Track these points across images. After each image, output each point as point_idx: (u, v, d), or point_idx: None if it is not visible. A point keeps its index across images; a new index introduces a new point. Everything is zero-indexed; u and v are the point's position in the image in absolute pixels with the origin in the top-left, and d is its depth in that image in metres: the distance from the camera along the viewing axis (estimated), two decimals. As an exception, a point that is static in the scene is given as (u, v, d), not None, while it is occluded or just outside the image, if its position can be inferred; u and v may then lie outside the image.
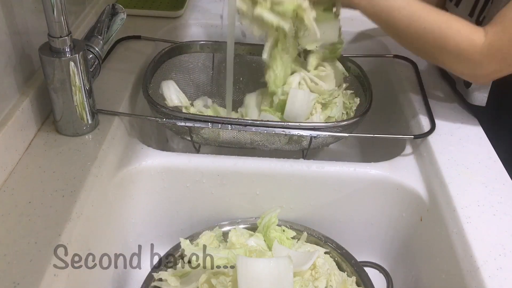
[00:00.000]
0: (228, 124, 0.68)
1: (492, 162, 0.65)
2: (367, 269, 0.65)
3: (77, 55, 0.59)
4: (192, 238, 0.67)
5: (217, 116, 0.77)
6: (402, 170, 0.68)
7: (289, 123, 0.68)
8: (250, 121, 0.68)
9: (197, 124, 0.68)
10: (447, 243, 0.58)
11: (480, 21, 0.70)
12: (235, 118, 0.70)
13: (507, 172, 0.64)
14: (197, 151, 0.77)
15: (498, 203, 0.59)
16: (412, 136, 0.69)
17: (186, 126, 0.69)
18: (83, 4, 0.87)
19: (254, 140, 0.71)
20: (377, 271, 0.65)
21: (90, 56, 0.67)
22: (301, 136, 0.68)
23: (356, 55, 0.87)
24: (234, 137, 0.70)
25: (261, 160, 0.68)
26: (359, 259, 0.66)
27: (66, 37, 0.58)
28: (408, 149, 0.72)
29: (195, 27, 1.00)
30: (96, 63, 0.68)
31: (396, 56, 0.90)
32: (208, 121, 0.68)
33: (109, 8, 0.72)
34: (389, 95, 0.87)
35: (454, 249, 0.56)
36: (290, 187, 0.69)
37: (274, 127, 0.68)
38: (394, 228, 0.70)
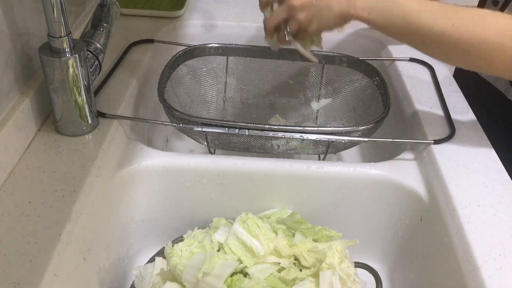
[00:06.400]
0: (246, 129, 0.67)
1: (492, 162, 0.65)
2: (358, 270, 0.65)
3: (77, 55, 0.59)
4: (184, 238, 0.67)
5: (233, 121, 0.76)
6: (402, 170, 0.68)
7: (307, 128, 0.67)
8: (267, 126, 0.67)
9: (215, 130, 0.67)
10: (447, 243, 0.58)
11: None
12: (251, 123, 0.68)
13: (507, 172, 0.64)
14: (213, 153, 0.77)
15: (498, 203, 0.59)
16: (432, 141, 0.68)
17: (203, 132, 0.67)
18: (83, 4, 0.87)
19: (271, 145, 0.71)
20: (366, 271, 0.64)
21: (90, 56, 0.67)
22: (319, 141, 0.68)
23: (371, 58, 0.87)
24: (251, 142, 0.70)
25: (261, 160, 0.68)
26: (358, 259, 0.66)
27: (66, 37, 0.58)
28: (408, 149, 0.72)
29: (195, 27, 1.00)
30: (96, 63, 0.68)
31: (412, 60, 0.90)
32: (225, 126, 0.67)
33: (101, 4, 0.71)
34: (403, 98, 0.85)
35: (454, 249, 0.56)
36: (290, 187, 0.69)
37: (293, 132, 0.67)
38: (394, 228, 0.70)
